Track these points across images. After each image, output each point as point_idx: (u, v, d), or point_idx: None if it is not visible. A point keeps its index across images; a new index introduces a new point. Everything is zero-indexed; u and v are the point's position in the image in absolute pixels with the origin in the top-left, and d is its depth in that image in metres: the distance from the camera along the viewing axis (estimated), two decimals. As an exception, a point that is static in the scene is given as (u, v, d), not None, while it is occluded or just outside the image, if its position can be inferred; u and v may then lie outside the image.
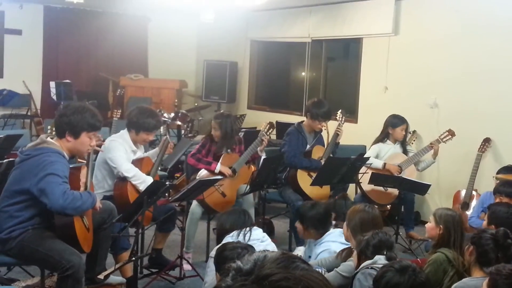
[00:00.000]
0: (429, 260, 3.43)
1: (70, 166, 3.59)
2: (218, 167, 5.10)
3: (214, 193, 4.94)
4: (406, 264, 2.73)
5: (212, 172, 5.08)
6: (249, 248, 2.93)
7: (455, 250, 3.43)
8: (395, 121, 5.98)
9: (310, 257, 3.88)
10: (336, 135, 5.63)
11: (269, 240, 3.70)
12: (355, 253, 3.23)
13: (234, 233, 3.58)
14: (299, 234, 4.27)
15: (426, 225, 3.79)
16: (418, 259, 4.99)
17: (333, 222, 4.05)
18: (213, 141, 5.24)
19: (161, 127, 6.27)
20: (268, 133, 5.34)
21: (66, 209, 3.35)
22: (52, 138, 3.60)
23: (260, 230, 3.70)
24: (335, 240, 3.80)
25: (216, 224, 4.05)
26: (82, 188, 3.63)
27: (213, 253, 3.42)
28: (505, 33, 6.05)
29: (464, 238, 3.50)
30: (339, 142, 5.70)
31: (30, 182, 3.37)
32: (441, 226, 3.54)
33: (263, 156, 5.41)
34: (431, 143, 5.85)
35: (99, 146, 3.98)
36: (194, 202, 5.01)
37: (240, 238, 3.49)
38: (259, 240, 3.48)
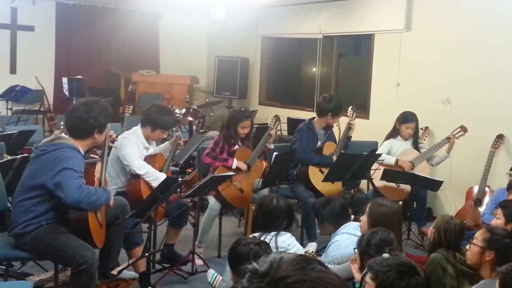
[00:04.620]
0: (427, 261, 3.47)
1: (85, 161, 3.61)
2: (235, 163, 5.13)
3: (232, 189, 5.03)
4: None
5: (229, 168, 5.11)
6: (262, 245, 2.91)
7: (452, 251, 3.43)
8: (402, 118, 5.96)
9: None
10: (349, 128, 5.62)
11: (297, 246, 3.58)
12: (356, 253, 3.09)
13: (259, 234, 3.46)
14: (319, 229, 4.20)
15: None
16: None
17: (352, 217, 4.00)
18: (226, 139, 5.26)
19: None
20: (275, 126, 5.38)
21: (81, 203, 3.36)
22: (66, 134, 3.63)
23: (288, 235, 3.56)
24: (349, 232, 3.70)
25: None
26: (96, 184, 3.65)
27: None
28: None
29: (461, 241, 3.49)
30: (351, 136, 5.69)
31: (45, 177, 3.39)
32: (433, 230, 3.56)
33: (271, 147, 5.45)
34: (448, 137, 5.79)
35: (113, 142, 3.99)
36: (213, 198, 5.04)
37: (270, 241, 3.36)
38: (284, 249, 3.44)
